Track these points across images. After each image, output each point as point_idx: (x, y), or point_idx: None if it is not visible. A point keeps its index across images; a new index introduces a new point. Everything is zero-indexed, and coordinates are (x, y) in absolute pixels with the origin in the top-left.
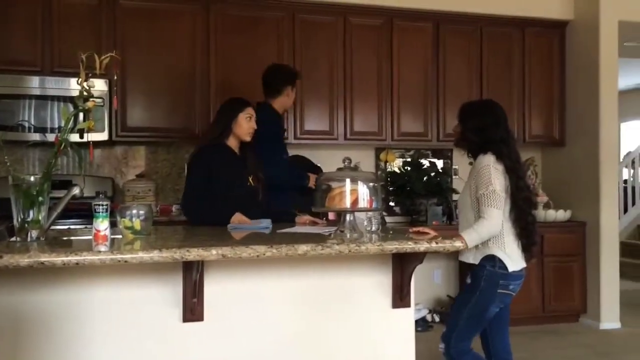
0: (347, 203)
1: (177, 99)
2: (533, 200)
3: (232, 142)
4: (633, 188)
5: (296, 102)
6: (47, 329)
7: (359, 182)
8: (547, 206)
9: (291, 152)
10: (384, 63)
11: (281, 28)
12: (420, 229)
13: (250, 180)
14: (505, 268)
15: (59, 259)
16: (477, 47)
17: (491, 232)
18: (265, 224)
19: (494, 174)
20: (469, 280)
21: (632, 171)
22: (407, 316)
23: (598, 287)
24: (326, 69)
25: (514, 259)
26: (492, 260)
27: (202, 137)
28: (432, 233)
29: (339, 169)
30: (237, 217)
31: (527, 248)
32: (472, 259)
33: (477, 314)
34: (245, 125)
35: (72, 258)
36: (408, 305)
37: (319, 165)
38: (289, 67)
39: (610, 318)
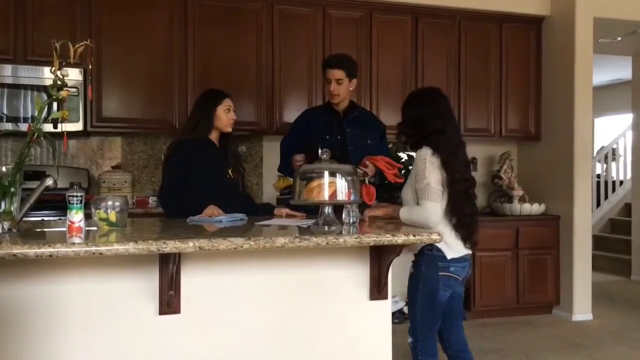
0: (326, 195)
1: (154, 90)
2: (470, 192)
3: (213, 135)
4: (606, 183)
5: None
6: (20, 322)
7: (337, 174)
8: (522, 200)
9: (270, 144)
10: (363, 56)
11: (260, 19)
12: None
13: (230, 172)
14: (444, 254)
15: (31, 250)
16: (455, 41)
17: (422, 221)
18: (226, 218)
19: (429, 168)
20: (411, 270)
21: (605, 166)
22: (384, 308)
23: (571, 280)
24: (305, 61)
25: (453, 247)
26: (430, 246)
27: (181, 129)
28: (378, 213)
29: (317, 162)
30: (210, 210)
31: (467, 238)
32: (415, 251)
33: (428, 300)
34: (224, 117)
35: (46, 250)
36: (385, 297)
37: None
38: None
39: (582, 310)
